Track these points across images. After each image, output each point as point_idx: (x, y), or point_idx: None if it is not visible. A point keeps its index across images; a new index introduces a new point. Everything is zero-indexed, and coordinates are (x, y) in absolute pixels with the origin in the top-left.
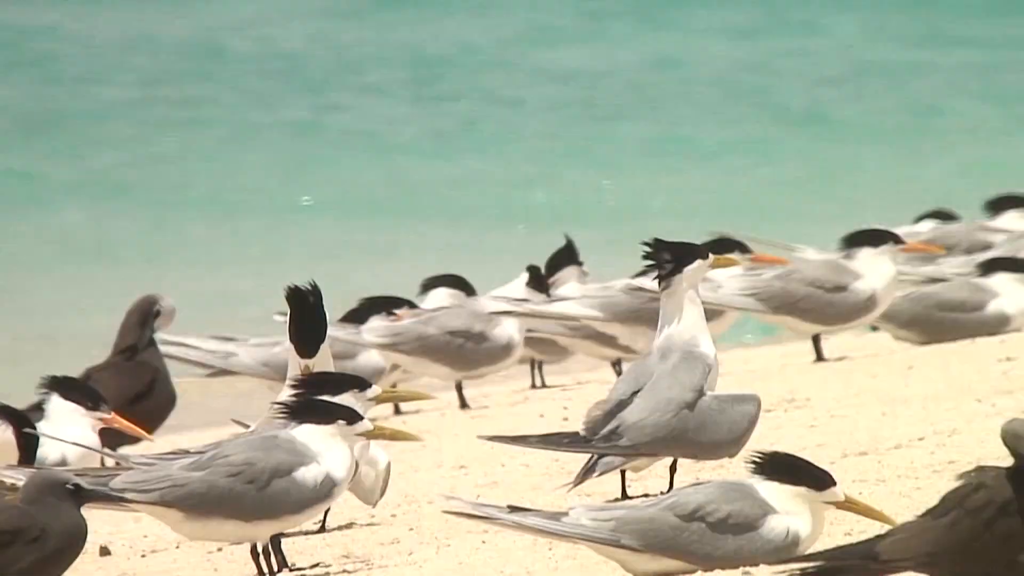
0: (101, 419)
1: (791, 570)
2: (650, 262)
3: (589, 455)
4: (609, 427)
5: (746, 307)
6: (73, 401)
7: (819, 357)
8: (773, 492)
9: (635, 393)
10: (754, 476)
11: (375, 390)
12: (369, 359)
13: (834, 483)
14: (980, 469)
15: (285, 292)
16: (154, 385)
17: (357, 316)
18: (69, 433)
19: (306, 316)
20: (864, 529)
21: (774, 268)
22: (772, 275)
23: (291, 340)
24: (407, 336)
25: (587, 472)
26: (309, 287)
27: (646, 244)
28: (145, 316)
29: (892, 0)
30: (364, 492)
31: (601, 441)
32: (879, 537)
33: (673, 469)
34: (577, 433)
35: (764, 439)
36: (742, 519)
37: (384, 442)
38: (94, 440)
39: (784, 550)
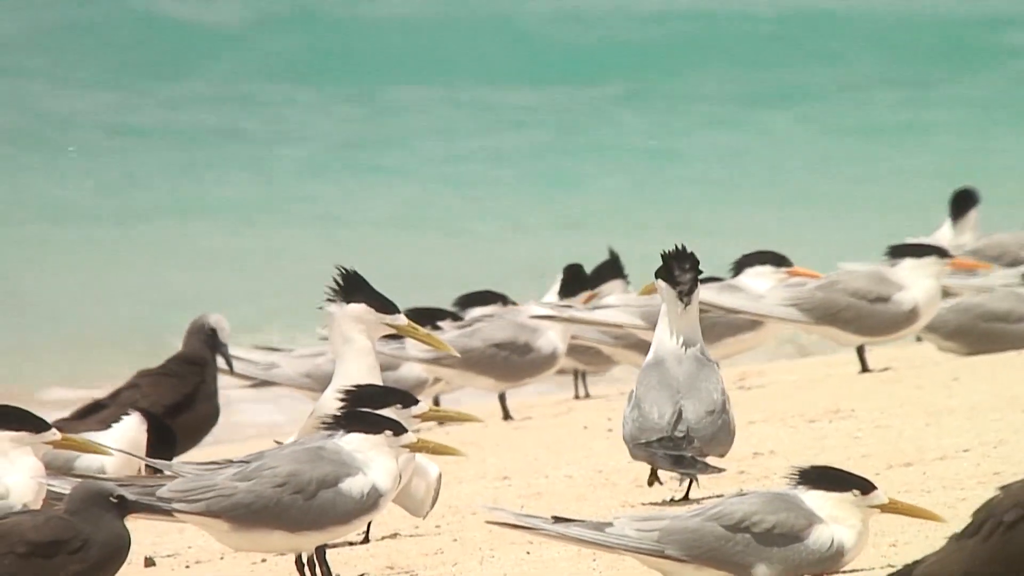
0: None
1: None
2: (683, 276)
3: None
4: (679, 433)
5: (788, 318)
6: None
7: (864, 368)
8: (818, 501)
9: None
10: (798, 487)
11: (421, 407)
12: (411, 370)
13: (876, 488)
14: (1007, 487)
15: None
16: (196, 397)
17: None
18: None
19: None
20: (909, 540)
21: (817, 280)
22: (814, 286)
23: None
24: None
25: (691, 482)
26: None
27: (677, 257)
28: (203, 335)
29: None
30: (414, 504)
31: (676, 447)
32: (915, 563)
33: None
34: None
35: (808, 450)
36: (787, 529)
37: (427, 455)
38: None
39: (829, 560)
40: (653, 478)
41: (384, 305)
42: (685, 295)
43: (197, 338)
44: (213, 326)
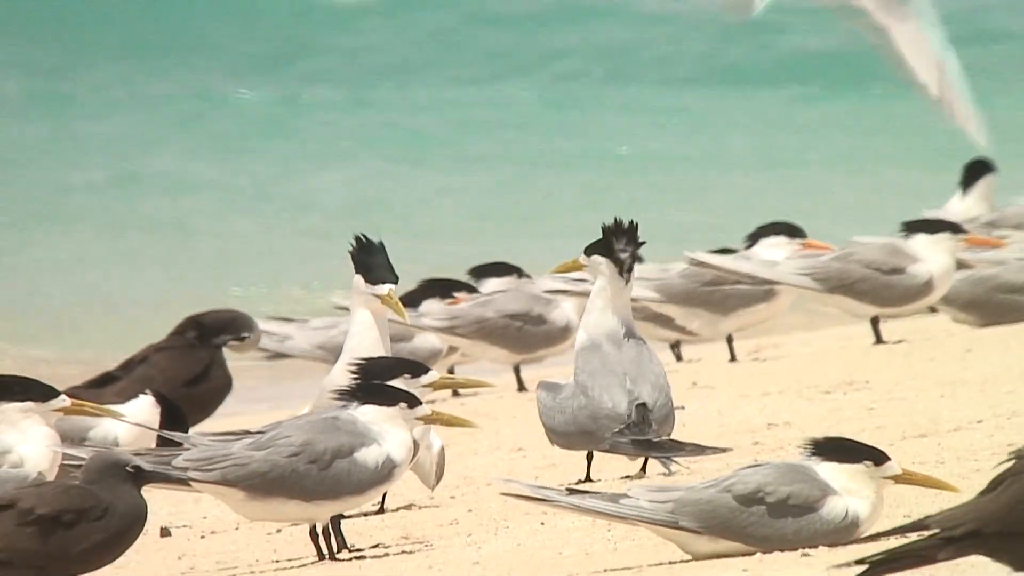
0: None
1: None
2: (625, 250)
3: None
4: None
5: (802, 286)
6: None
7: (878, 339)
8: (832, 473)
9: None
10: (812, 458)
11: (432, 376)
12: (426, 341)
13: (889, 459)
14: (1019, 450)
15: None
16: (210, 369)
17: (413, 298)
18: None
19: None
20: (923, 511)
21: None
22: (830, 256)
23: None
24: (465, 319)
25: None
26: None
27: (618, 231)
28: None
29: None
30: (423, 475)
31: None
32: (930, 516)
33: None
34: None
35: (823, 421)
36: (801, 500)
37: (440, 426)
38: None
39: (844, 531)
40: (587, 472)
41: (372, 275)
42: (627, 271)
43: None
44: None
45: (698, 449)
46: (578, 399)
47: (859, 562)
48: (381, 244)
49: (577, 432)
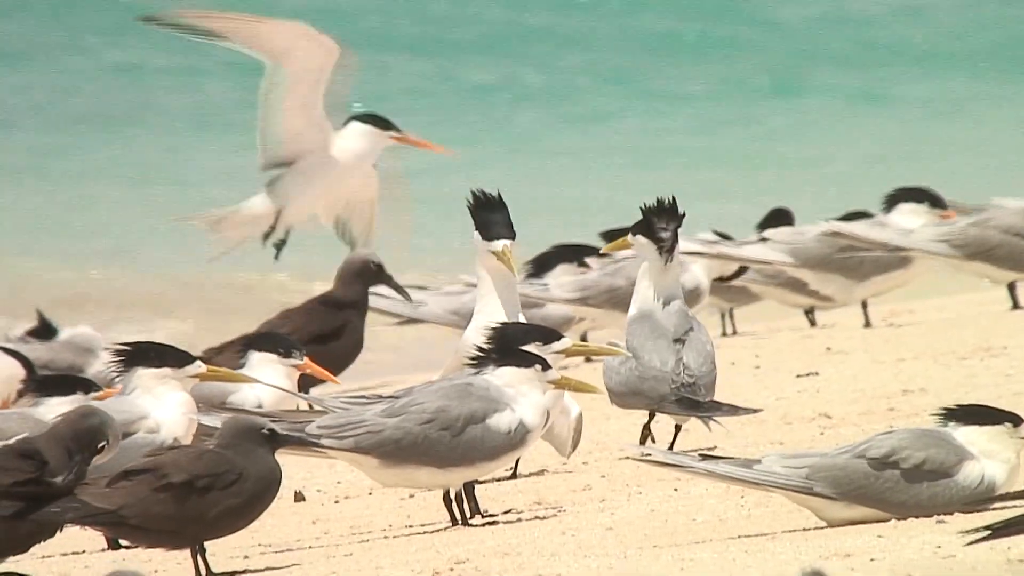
0: (295, 366)
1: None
2: (664, 232)
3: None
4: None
5: (940, 253)
6: (267, 351)
7: (1015, 305)
8: (970, 436)
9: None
10: (948, 424)
11: (564, 343)
12: (558, 307)
13: None
14: None
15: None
16: (343, 330)
17: (543, 263)
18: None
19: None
20: None
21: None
22: (967, 222)
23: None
24: (596, 289)
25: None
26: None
27: (659, 212)
28: (362, 274)
29: None
30: (559, 442)
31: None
32: None
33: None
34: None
35: (959, 387)
36: (937, 465)
37: (573, 392)
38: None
39: (980, 496)
40: (647, 433)
41: (489, 231)
42: (666, 251)
43: (353, 278)
44: (378, 262)
45: (733, 409)
46: (630, 362)
47: (986, 528)
48: (500, 199)
49: (629, 392)
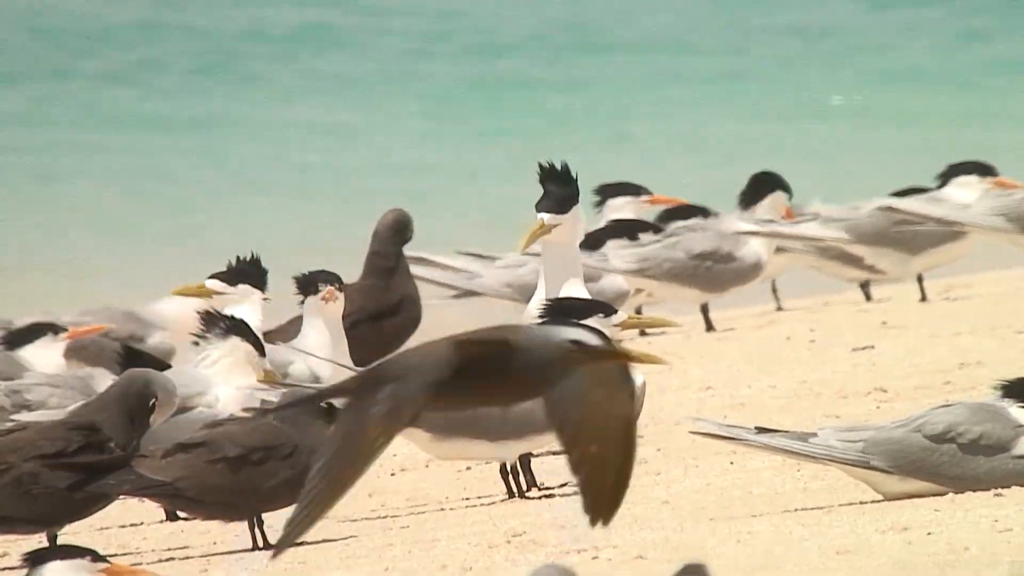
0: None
1: None
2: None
3: None
4: None
5: (995, 227)
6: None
7: None
8: None
9: None
10: (1005, 399)
11: (620, 316)
12: (613, 282)
13: None
14: None
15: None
16: (401, 306)
17: (597, 239)
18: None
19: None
20: None
21: None
22: (1022, 195)
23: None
24: (654, 261)
25: None
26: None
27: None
28: (397, 231)
29: None
30: None
31: None
32: None
33: None
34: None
35: (1016, 361)
36: (994, 440)
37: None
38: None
39: None
40: None
41: (538, 203)
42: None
43: (391, 234)
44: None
45: None
46: None
47: None
48: (557, 171)
49: None
